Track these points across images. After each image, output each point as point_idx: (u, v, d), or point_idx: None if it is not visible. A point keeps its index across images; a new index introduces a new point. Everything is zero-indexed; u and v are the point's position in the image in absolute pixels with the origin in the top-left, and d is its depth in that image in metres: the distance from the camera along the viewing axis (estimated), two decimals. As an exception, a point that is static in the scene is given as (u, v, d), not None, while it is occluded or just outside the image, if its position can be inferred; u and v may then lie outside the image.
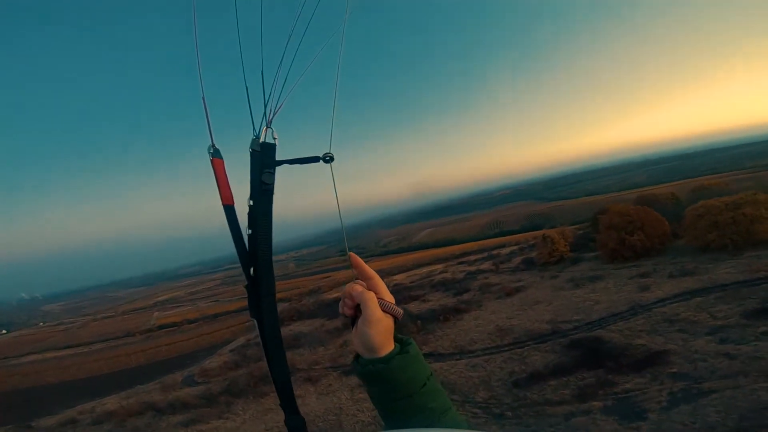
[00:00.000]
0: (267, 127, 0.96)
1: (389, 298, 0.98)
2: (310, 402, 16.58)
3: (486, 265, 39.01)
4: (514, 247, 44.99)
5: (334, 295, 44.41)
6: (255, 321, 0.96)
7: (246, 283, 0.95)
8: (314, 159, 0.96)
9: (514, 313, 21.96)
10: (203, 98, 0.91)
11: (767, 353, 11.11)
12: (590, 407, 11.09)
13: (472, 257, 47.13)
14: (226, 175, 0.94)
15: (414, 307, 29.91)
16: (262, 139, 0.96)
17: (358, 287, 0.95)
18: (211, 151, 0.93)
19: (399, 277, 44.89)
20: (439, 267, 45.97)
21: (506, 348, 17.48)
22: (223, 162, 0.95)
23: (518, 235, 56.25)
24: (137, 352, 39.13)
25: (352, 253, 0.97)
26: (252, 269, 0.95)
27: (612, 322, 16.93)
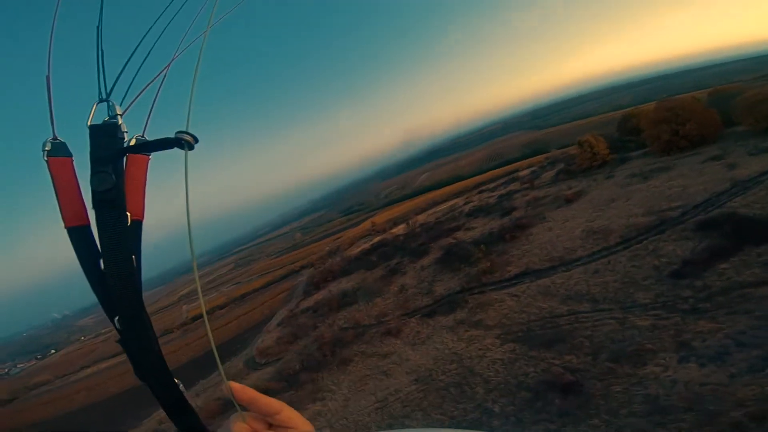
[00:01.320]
0: (105, 101, 0.71)
1: (308, 428, 0.73)
2: (410, 356, 14.60)
3: (514, 186, 37.88)
4: (534, 168, 43.87)
5: (357, 250, 42.69)
6: (146, 385, 0.72)
7: (118, 337, 0.71)
8: (170, 142, 0.69)
9: (593, 215, 20.71)
10: (48, 77, 0.68)
11: None
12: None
13: (491, 185, 45.77)
14: (76, 179, 0.69)
15: (461, 236, 28.61)
16: (92, 119, 0.69)
17: None
18: (47, 149, 0.68)
19: (420, 218, 43.14)
20: (459, 201, 44.45)
21: (618, 247, 16.16)
22: (71, 160, 0.70)
23: (523, 161, 55.18)
24: (183, 346, 38.12)
25: (232, 383, 0.67)
26: (116, 318, 0.69)
27: (727, 200, 15.83)
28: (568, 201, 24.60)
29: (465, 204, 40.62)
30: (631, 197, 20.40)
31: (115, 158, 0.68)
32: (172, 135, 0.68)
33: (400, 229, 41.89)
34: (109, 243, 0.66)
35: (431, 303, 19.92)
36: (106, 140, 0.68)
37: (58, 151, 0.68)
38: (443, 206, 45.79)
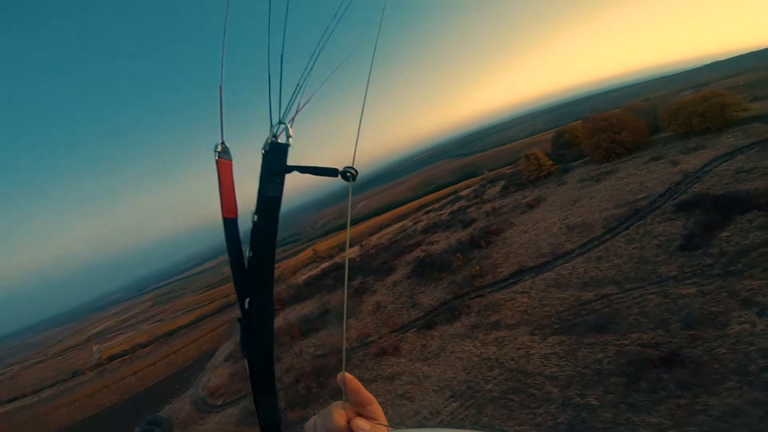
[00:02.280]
0: (282, 123, 0.82)
1: (384, 421, 0.82)
2: (428, 372, 12.45)
3: (462, 204, 38.63)
4: (474, 187, 45.75)
5: (303, 277, 38.98)
6: (246, 360, 0.83)
7: (239, 315, 0.82)
8: (332, 172, 0.81)
9: (562, 214, 21.35)
10: (221, 88, 0.80)
11: None
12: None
13: (435, 206, 46.40)
14: (233, 181, 0.81)
15: (428, 250, 27.59)
16: (271, 140, 0.83)
17: (365, 425, 0.76)
18: (218, 150, 0.80)
19: (371, 240, 41.44)
20: (407, 222, 43.96)
21: (607, 236, 16.46)
22: (231, 164, 0.81)
23: (458, 184, 57.62)
24: (101, 389, 32.62)
25: (347, 374, 0.78)
26: (248, 300, 0.81)
27: (686, 187, 17.33)
28: (531, 206, 25.38)
29: (415, 224, 40.19)
30: (593, 197, 21.60)
31: (283, 172, 0.80)
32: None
33: (351, 252, 39.51)
34: (262, 237, 0.80)
35: (423, 315, 18.05)
36: (279, 156, 0.80)
37: (224, 154, 0.80)
38: (390, 229, 44.85)
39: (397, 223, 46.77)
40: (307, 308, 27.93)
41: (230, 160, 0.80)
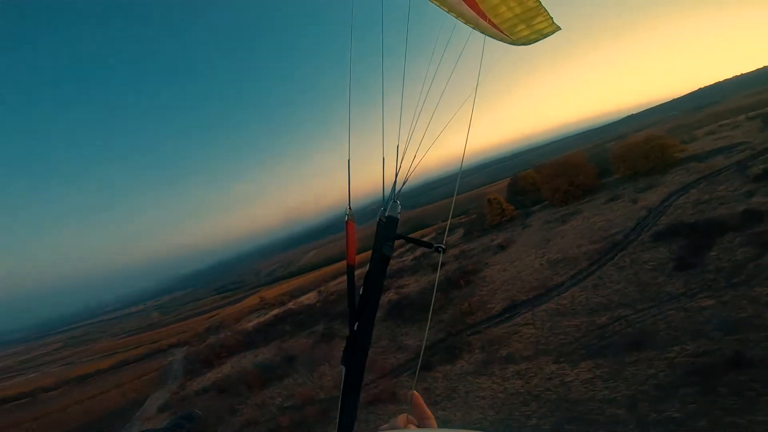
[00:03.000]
0: (394, 201, 1.18)
1: None
2: (449, 417, 10.41)
3: (423, 250, 38.21)
4: (432, 236, 46.10)
5: (250, 324, 34.62)
6: (343, 368, 1.07)
7: (348, 334, 1.11)
8: (428, 245, 1.25)
9: (538, 252, 21.62)
10: (348, 161, 1.21)
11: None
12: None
13: (393, 253, 45.36)
14: (355, 238, 1.14)
15: (391, 295, 26.10)
16: (388, 213, 1.17)
17: None
18: (348, 213, 1.14)
19: (329, 286, 38.87)
20: (365, 269, 42.21)
21: (593, 267, 16.64)
22: (354, 225, 1.15)
23: (410, 235, 57.84)
24: None
25: (415, 392, 0.97)
26: (356, 324, 1.10)
27: (654, 220, 18.57)
28: (503, 247, 25.65)
29: (377, 270, 38.59)
30: (564, 235, 22.41)
31: (395, 238, 1.19)
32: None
33: (307, 299, 36.62)
34: (374, 282, 1.16)
35: (413, 357, 16.24)
36: (392, 226, 1.17)
37: (351, 218, 1.15)
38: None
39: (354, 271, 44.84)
40: (262, 355, 24.31)
41: (354, 222, 1.13)
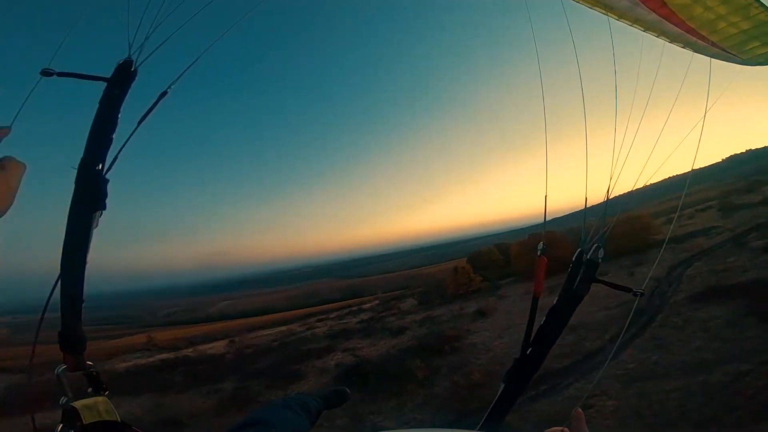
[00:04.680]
0: (598, 246, 1.34)
1: None
2: None
3: (370, 315, 32.35)
4: (374, 303, 40.51)
5: (124, 365, 23.73)
6: (502, 384, 1.23)
7: (518, 357, 1.31)
8: (626, 289, 1.23)
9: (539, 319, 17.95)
10: (546, 197, 1.51)
11: None
12: None
13: (331, 315, 38.61)
14: (544, 273, 1.31)
15: (340, 357, 19.70)
16: (590, 255, 1.35)
17: None
18: (541, 248, 1.30)
19: (246, 337, 30.28)
20: (296, 327, 34.50)
21: (633, 330, 13.24)
22: (545, 261, 1.31)
23: (348, 300, 52.07)
24: None
25: (579, 410, 0.96)
26: (529, 350, 1.32)
27: (675, 288, 16.52)
28: (483, 314, 21.62)
29: (309, 329, 31.23)
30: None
31: (593, 281, 1.38)
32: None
33: (213, 348, 27.94)
34: (562, 316, 1.25)
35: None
36: (593, 268, 1.36)
37: (544, 253, 1.44)
38: (271, 331, 34.20)
39: (279, 327, 36.52)
40: (125, 408, 15.07)
41: (546, 258, 1.39)
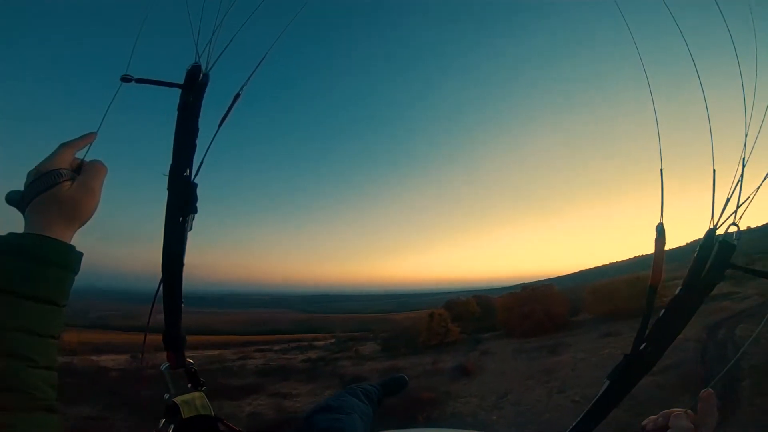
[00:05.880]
0: (733, 223, 0.93)
1: None
2: None
3: (321, 354, 26.56)
4: (330, 341, 34.53)
5: None
6: (606, 381, 0.96)
7: (629, 353, 0.97)
8: None
9: (548, 386, 13.12)
10: (661, 171, 0.97)
11: None
12: None
13: (274, 347, 32.41)
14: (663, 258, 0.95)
15: (262, 405, 14.06)
16: (723, 237, 0.93)
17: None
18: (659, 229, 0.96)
19: (156, 356, 23.37)
20: (228, 353, 28.22)
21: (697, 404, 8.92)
22: (664, 243, 0.94)
23: (301, 334, 46.35)
24: None
25: (710, 390, 0.79)
26: (643, 345, 0.94)
27: (737, 352, 12.38)
28: (467, 373, 16.63)
29: (242, 359, 25.07)
30: (575, 368, 14.51)
31: (728, 266, 0.89)
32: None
33: (112, 360, 21.77)
34: (687, 309, 0.92)
35: None
36: (728, 251, 0.88)
37: (663, 235, 0.97)
38: (194, 353, 27.10)
39: (209, 350, 29.95)
40: None
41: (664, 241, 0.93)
